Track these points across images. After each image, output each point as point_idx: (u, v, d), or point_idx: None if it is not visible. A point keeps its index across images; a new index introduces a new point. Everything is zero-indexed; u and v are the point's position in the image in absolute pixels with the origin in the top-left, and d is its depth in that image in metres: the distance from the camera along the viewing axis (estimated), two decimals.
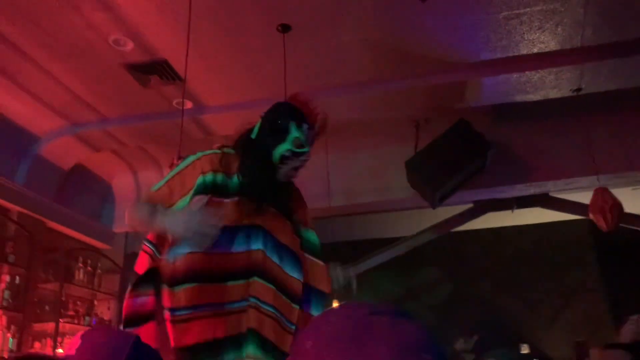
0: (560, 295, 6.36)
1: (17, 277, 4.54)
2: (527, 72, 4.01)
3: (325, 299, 1.88)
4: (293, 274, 1.81)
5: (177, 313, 1.68)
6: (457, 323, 6.12)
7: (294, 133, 1.78)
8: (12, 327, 4.38)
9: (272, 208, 1.84)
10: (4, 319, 4.35)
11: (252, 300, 1.74)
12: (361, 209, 5.64)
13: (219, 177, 1.78)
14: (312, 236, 1.93)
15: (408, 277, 6.64)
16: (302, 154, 1.80)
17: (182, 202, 1.75)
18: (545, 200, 5.38)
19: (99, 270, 5.53)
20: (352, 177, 5.34)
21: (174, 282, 1.70)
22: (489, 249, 6.61)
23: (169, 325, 1.70)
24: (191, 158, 1.82)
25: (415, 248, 5.88)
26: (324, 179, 5.23)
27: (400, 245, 5.93)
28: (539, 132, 4.87)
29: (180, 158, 2.93)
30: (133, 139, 4.94)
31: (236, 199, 1.78)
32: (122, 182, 5.85)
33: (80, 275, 5.28)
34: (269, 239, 1.80)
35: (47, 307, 4.92)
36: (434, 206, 4.93)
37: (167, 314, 1.71)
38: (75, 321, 5.16)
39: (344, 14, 3.46)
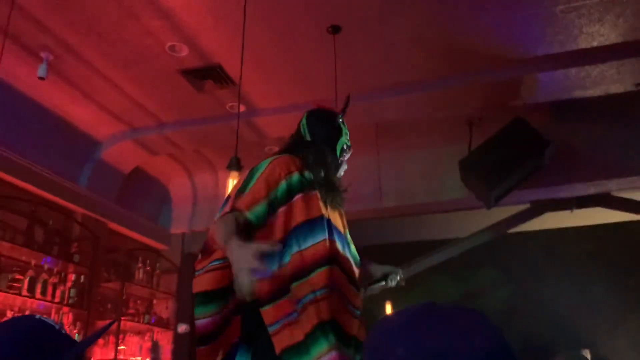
0: (624, 299, 6.08)
1: (82, 277, 4.74)
2: (586, 67, 3.86)
3: None
4: (354, 263, 1.98)
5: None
6: (517, 327, 5.94)
7: (345, 129, 2.08)
8: (78, 323, 4.58)
9: (337, 205, 2.00)
10: (71, 316, 4.55)
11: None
12: (413, 210, 5.57)
13: (296, 176, 1.89)
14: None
15: (465, 280, 6.50)
16: (350, 147, 2.09)
17: (260, 207, 1.79)
18: (606, 200, 5.16)
19: (157, 271, 5.69)
20: (404, 178, 5.29)
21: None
22: (548, 251, 6.40)
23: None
24: (265, 163, 1.91)
25: (472, 250, 5.76)
26: (376, 180, 5.21)
27: (454, 247, 5.82)
28: (600, 129, 4.68)
29: (238, 160, 3.04)
30: (189, 142, 5.08)
31: (316, 192, 1.90)
32: (178, 185, 6.03)
33: (140, 275, 5.45)
34: (338, 231, 1.93)
35: (109, 306, 5.11)
36: (489, 206, 4.81)
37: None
38: (136, 319, 5.32)
39: (395, 13, 3.44)
